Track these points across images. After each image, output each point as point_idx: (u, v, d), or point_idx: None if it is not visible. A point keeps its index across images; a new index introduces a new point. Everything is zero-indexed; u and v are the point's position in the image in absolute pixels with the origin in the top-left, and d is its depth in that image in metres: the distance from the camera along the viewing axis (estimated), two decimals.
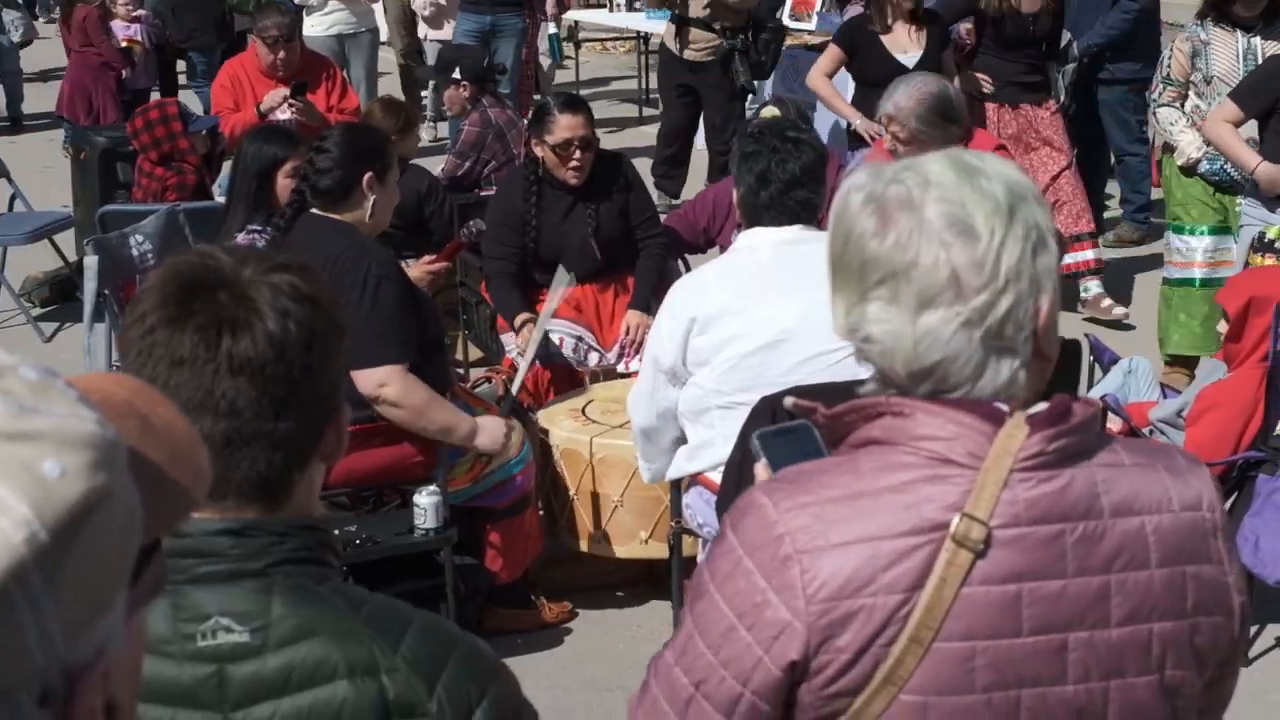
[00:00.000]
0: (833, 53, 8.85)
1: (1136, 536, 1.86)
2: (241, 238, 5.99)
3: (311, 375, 1.88)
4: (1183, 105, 7.49)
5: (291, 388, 1.86)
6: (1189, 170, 7.47)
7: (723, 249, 5.81)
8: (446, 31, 12.38)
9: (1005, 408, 1.85)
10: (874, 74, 8.22)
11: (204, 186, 8.18)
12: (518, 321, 6.32)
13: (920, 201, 1.84)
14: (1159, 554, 1.87)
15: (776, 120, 6.21)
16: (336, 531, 4.93)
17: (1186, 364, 7.47)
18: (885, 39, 8.54)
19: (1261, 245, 6.15)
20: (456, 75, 8.92)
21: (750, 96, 10.53)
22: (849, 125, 8.81)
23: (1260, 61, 7.18)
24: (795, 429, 2.02)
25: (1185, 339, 7.46)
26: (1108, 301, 8.70)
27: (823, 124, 10.17)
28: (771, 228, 4.64)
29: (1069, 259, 8.44)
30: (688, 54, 10.32)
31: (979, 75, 8.92)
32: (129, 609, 1.08)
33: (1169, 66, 7.50)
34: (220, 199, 7.44)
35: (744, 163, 4.70)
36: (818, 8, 12.20)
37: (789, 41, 11.26)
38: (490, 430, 5.26)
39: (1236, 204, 7.27)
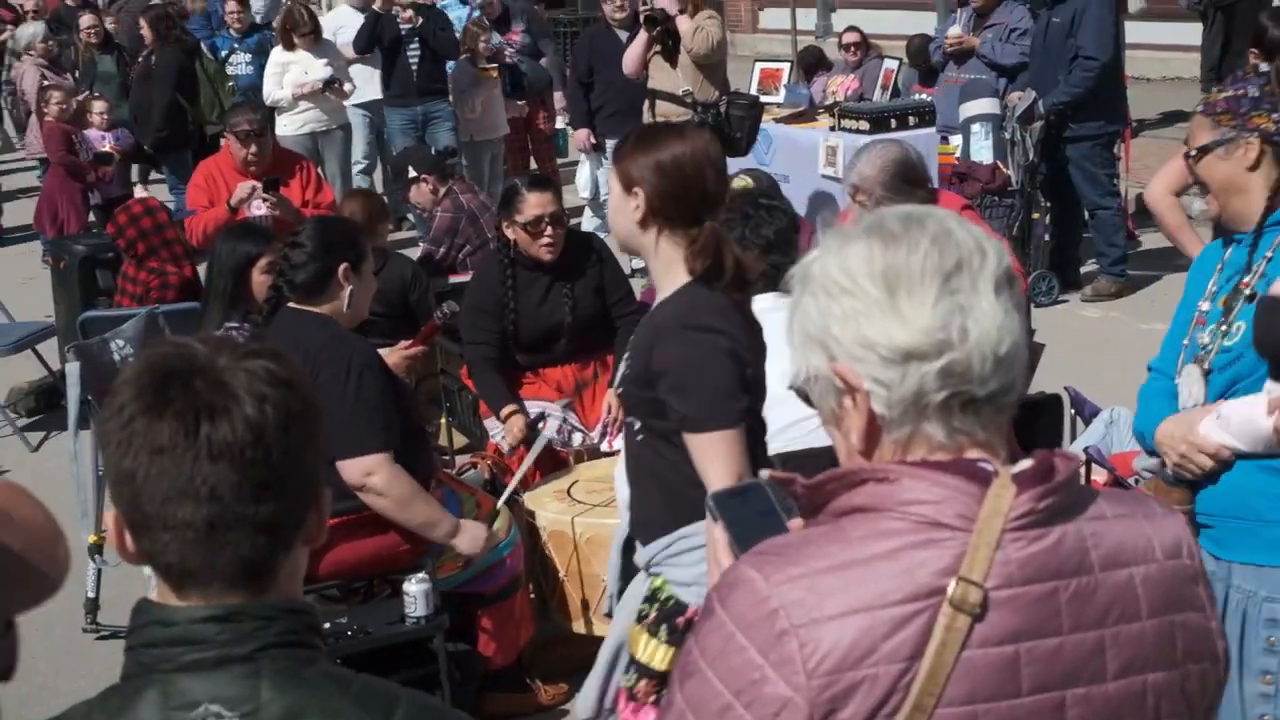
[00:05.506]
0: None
1: (1126, 588, 1.85)
2: None
3: (290, 458, 1.87)
4: None
5: (271, 471, 1.85)
6: None
7: None
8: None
9: (990, 467, 1.85)
10: None
11: (196, 281, 7.99)
12: (504, 413, 6.31)
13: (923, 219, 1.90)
14: (1148, 605, 1.86)
15: (748, 190, 6.22)
16: (328, 624, 4.93)
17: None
18: None
19: None
20: (412, 174, 8.97)
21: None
22: None
23: None
24: (749, 488, 2.02)
25: None
26: None
27: (795, 197, 10.10)
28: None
29: None
30: None
31: None
32: None
33: None
34: None
35: None
36: (785, 80, 12.25)
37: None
38: (471, 534, 5.26)
39: None
